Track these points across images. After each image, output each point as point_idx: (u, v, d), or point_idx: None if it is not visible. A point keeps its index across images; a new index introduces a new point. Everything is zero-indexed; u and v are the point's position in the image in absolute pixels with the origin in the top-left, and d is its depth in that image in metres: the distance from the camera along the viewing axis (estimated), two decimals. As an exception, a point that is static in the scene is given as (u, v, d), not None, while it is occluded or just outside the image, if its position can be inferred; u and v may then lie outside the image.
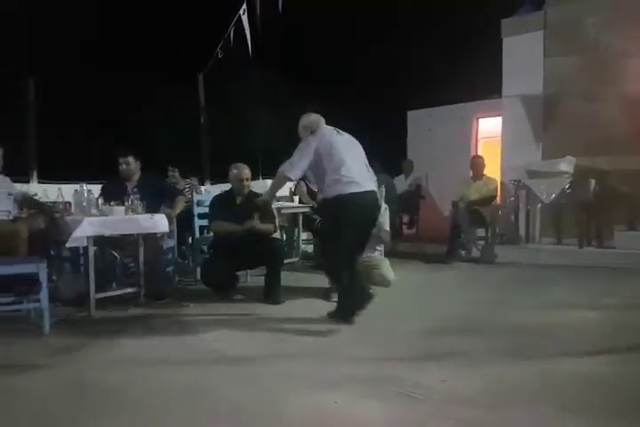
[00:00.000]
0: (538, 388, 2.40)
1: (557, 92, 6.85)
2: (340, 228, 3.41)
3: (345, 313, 3.46)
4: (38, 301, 3.35)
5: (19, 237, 3.77)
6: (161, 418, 2.14)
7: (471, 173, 6.77)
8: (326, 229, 3.73)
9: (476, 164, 6.72)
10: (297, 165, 3.49)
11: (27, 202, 4.15)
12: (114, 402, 2.29)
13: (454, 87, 9.06)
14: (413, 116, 9.54)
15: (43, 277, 3.32)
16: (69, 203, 4.26)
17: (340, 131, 3.64)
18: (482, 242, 6.63)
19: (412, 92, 10.34)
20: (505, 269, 5.84)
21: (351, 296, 3.46)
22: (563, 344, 3.05)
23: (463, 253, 6.50)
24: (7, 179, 4.30)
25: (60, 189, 4.51)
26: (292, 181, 3.58)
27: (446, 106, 8.99)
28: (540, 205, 6.64)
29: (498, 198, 6.87)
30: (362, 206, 3.40)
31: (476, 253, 6.54)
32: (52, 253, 4.42)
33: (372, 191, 3.51)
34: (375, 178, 3.69)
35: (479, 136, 8.94)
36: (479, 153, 8.22)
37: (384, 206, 4.52)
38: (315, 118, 3.68)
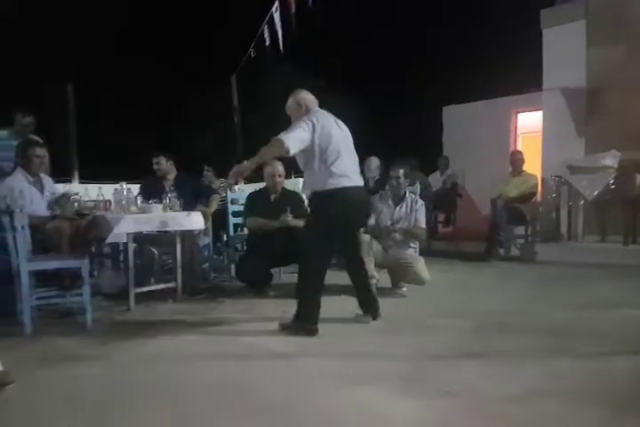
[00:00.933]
0: (580, 386, 2.32)
1: (601, 84, 6.59)
2: (330, 225, 3.15)
3: (306, 323, 3.14)
4: (81, 295, 3.46)
5: (62, 233, 3.91)
6: (197, 412, 2.17)
7: (510, 169, 6.60)
8: (313, 226, 3.32)
9: (516, 159, 6.55)
10: (298, 138, 3.05)
11: (62, 204, 4.30)
12: (153, 396, 2.33)
13: (491, 81, 8.87)
14: (449, 112, 9.36)
15: (85, 273, 3.43)
16: (109, 201, 4.40)
17: (338, 120, 3.32)
18: (521, 240, 6.46)
19: (447, 87, 10.18)
20: (546, 267, 5.67)
21: (316, 303, 3.15)
22: (605, 343, 2.94)
23: (502, 251, 6.35)
24: (51, 180, 4.46)
25: (100, 188, 4.66)
26: (287, 154, 3.03)
27: (483, 101, 8.79)
28: (582, 202, 6.42)
29: (538, 195, 6.68)
30: (354, 202, 3.19)
31: (515, 251, 6.38)
32: (93, 249, 4.56)
33: (363, 187, 3.36)
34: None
35: (518, 131, 8.71)
36: (518, 149, 8.01)
37: (420, 202, 4.46)
38: (312, 98, 3.33)
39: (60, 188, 4.71)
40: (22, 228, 3.42)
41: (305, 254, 3.25)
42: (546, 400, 2.19)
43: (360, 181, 3.29)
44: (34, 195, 4.12)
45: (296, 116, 3.27)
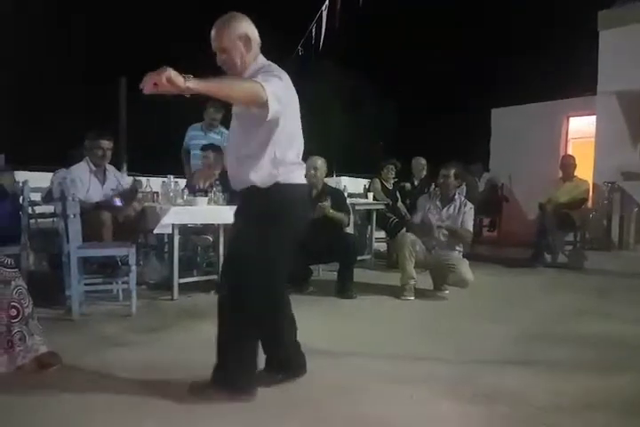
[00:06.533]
0: (633, 400, 2.22)
1: (660, 89, 6.33)
2: (279, 243, 2.11)
3: (242, 381, 2.17)
4: (127, 282, 3.54)
5: (102, 221, 3.97)
6: (236, 405, 2.17)
7: (561, 174, 6.38)
8: (248, 245, 2.11)
9: (567, 164, 6.33)
10: (277, 95, 1.93)
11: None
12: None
13: (543, 83, 8.63)
14: (498, 115, 9.16)
15: (132, 261, 3.50)
16: (157, 193, 4.49)
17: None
18: (569, 247, 6.25)
19: (496, 89, 9.97)
20: (594, 276, 5.46)
21: (253, 358, 2.21)
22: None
23: (549, 257, 6.15)
24: (118, 173, 4.57)
25: (148, 180, 4.75)
26: (253, 105, 1.94)
27: (534, 103, 8.56)
28: (636, 209, 6.16)
29: (589, 201, 6.45)
30: (305, 207, 2.24)
31: (562, 258, 6.17)
32: (139, 240, 4.65)
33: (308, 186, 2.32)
34: None
35: (569, 136, 8.44)
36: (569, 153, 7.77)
37: (469, 206, 4.36)
38: (255, 32, 2.13)
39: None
40: (74, 216, 3.52)
41: (235, 287, 2.20)
42: (597, 413, 2.09)
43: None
44: (92, 184, 4.21)
45: (234, 59, 2.08)
